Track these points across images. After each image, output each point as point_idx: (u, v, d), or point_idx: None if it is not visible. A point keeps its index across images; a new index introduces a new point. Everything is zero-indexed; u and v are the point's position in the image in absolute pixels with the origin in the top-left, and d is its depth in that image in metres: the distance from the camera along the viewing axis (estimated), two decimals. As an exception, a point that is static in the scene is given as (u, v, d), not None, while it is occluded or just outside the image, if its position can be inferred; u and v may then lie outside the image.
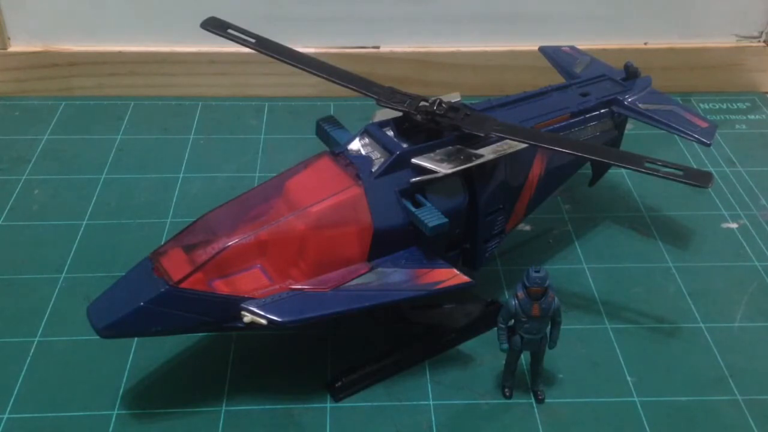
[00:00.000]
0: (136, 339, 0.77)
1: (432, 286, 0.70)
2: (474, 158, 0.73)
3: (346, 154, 0.74)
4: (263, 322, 0.65)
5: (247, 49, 0.81)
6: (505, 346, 0.71)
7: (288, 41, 0.83)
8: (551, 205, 0.95)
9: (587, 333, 0.81)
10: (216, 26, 0.82)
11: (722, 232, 0.94)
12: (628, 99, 0.89)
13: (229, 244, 0.68)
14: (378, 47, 1.16)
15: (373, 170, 0.72)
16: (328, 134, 0.79)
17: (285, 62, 0.80)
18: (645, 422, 0.72)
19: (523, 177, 0.80)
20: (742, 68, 1.19)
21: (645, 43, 1.17)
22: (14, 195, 0.97)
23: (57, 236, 0.91)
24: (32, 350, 0.77)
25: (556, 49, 1.01)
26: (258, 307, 0.66)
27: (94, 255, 0.88)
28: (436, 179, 0.72)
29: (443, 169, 0.71)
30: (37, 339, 0.78)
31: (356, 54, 1.15)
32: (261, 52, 0.81)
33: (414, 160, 0.72)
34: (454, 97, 0.79)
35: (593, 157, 0.73)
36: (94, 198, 0.97)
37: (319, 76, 0.79)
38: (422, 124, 0.75)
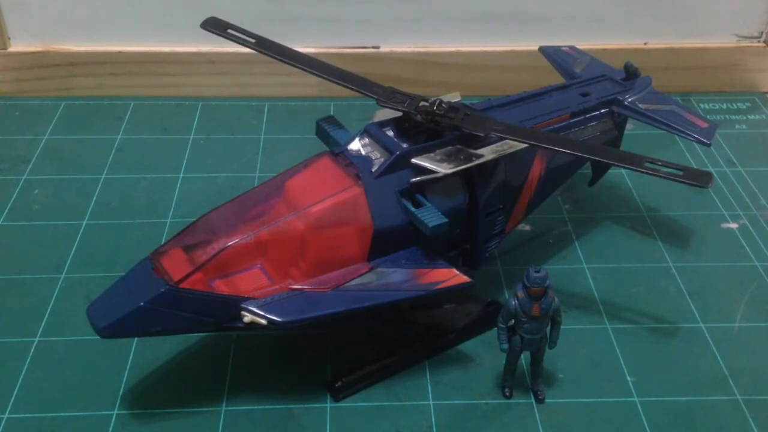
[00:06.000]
0: (136, 339, 0.77)
1: (432, 286, 0.70)
2: (474, 158, 0.73)
3: (346, 154, 0.74)
4: (263, 322, 0.65)
5: (247, 49, 0.81)
6: (505, 346, 0.71)
7: (288, 41, 0.83)
8: (551, 205, 0.95)
9: (587, 333, 0.81)
10: (216, 26, 0.82)
11: (722, 232, 0.94)
12: (628, 99, 0.89)
13: (229, 244, 0.68)
14: (378, 47, 1.16)
15: (373, 170, 0.72)
16: (328, 134, 0.79)
17: (285, 62, 0.80)
18: (645, 422, 0.72)
19: (523, 177, 0.80)
20: (742, 68, 1.19)
21: (645, 43, 1.17)
22: (14, 195, 0.97)
23: (57, 236, 0.91)
24: (32, 350, 0.77)
25: (556, 49, 1.01)
26: (258, 307, 0.66)
27: (94, 255, 0.88)
28: (436, 179, 0.72)
29: (443, 169, 0.71)
30: (37, 339, 0.78)
31: (356, 54, 1.15)
32: (261, 52, 0.80)
33: (414, 160, 0.72)
34: (454, 97, 0.79)
35: (593, 157, 0.73)
36: (94, 198, 0.96)
37: (319, 76, 0.79)
38: (422, 124, 0.75)
